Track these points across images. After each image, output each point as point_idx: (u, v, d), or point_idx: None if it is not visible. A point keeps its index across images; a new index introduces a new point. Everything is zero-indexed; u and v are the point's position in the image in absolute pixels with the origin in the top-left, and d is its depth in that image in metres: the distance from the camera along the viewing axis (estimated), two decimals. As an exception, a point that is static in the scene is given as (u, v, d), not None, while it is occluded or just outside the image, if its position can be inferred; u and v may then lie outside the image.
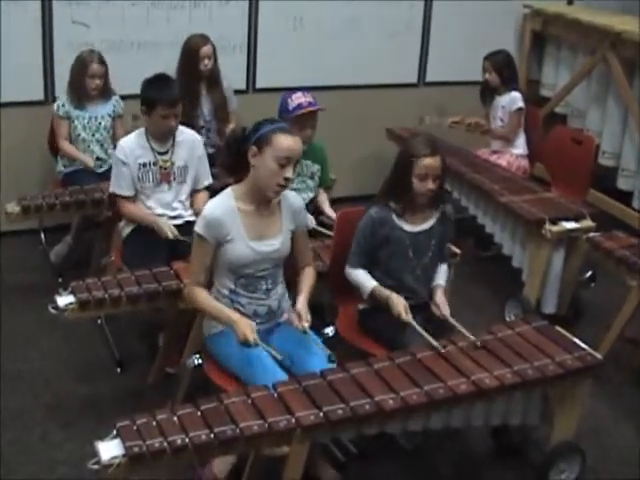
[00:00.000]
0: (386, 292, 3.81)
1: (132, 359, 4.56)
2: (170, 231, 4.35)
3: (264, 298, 3.62)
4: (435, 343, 3.53)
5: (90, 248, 5.30)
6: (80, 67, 5.33)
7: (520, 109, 6.02)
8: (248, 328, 3.36)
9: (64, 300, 3.80)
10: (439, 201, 3.93)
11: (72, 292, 3.84)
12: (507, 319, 5.02)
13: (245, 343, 3.34)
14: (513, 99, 6.02)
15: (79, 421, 4.04)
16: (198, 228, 3.52)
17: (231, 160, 3.61)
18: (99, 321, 4.74)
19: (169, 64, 5.37)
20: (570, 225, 4.94)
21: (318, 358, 3.46)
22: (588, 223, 4.97)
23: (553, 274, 5.02)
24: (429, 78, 6.94)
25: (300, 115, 4.54)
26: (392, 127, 6.43)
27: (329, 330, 3.98)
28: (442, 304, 3.86)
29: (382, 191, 3.96)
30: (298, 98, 4.59)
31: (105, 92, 5.45)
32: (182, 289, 3.83)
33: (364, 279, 3.89)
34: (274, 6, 6.20)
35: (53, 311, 3.79)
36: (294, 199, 3.71)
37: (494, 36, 6.73)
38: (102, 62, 5.35)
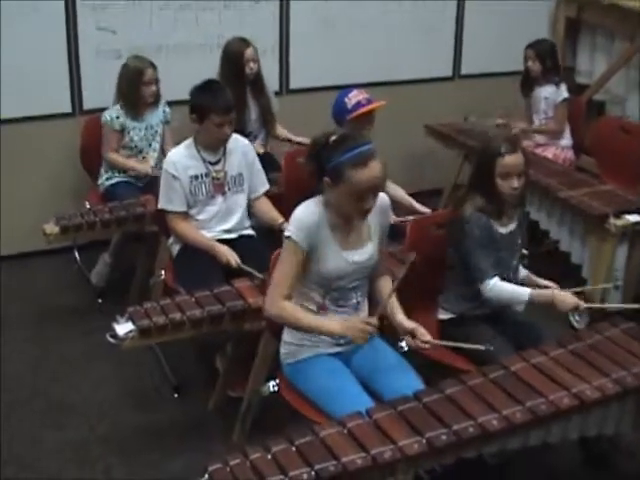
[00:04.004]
0: (546, 291, 3.65)
1: (189, 383, 4.32)
2: (232, 258, 4.07)
3: (352, 313, 3.33)
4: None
5: (130, 266, 5.03)
6: (134, 76, 5.07)
7: (566, 100, 5.81)
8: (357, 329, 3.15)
9: (123, 328, 3.51)
10: (523, 200, 3.78)
11: (130, 319, 3.57)
12: (570, 318, 4.85)
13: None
14: (558, 90, 5.80)
15: (141, 453, 3.82)
16: (290, 233, 3.16)
17: (312, 170, 3.24)
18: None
19: (199, 67, 5.13)
20: (634, 218, 4.72)
21: (408, 377, 3.24)
22: (651, 215, 4.77)
23: (617, 269, 4.79)
24: (464, 71, 6.77)
25: (360, 114, 4.33)
26: (430, 123, 6.23)
27: (404, 344, 3.69)
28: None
29: (467, 194, 3.73)
30: (355, 96, 4.39)
31: (157, 98, 5.23)
32: (261, 307, 3.40)
33: (516, 288, 3.64)
34: (305, 5, 6.00)
35: (112, 340, 3.51)
36: (382, 198, 3.34)
37: (527, 24, 6.54)
38: (154, 66, 5.11)
